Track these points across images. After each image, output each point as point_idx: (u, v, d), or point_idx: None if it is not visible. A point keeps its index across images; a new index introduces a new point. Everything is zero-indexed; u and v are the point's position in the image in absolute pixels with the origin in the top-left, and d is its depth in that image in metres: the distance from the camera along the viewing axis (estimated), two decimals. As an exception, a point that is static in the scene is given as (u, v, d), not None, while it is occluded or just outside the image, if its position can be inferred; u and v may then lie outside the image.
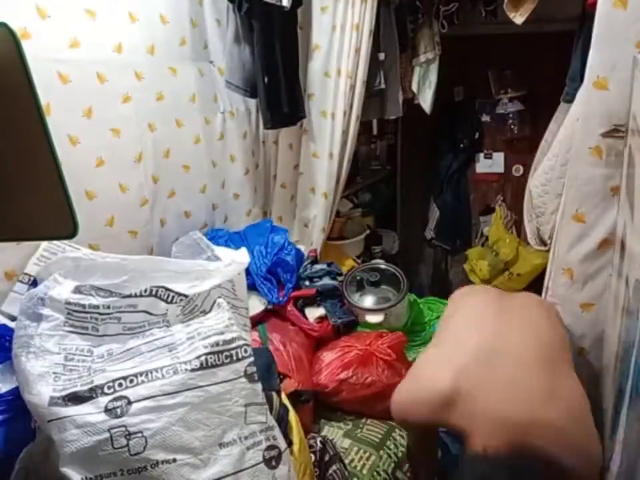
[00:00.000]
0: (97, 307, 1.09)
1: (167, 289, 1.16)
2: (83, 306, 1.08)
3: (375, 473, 1.49)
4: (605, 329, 1.49)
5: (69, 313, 1.07)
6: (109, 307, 1.10)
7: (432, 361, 1.32)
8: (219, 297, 1.18)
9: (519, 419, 1.08)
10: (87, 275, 1.12)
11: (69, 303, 1.07)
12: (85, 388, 0.99)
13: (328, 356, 1.77)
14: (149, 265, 1.18)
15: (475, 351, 1.24)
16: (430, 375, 1.23)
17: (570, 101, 1.83)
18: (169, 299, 1.16)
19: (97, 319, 1.09)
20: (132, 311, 1.12)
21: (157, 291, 1.15)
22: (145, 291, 1.14)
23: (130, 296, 1.12)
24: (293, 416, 1.34)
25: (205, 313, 1.17)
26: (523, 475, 1.00)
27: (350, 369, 1.71)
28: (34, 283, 1.28)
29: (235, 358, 1.10)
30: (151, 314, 1.14)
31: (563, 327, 1.45)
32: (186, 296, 1.17)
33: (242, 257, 1.37)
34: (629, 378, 1.20)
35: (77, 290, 1.09)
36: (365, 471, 1.49)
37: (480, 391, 1.14)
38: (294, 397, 1.50)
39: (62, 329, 1.06)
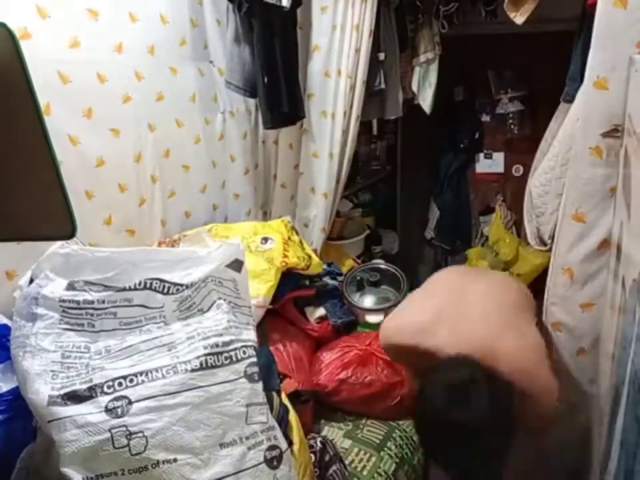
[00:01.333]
0: (92, 302, 1.08)
1: (161, 280, 1.15)
2: (77, 302, 1.07)
3: (376, 474, 1.49)
4: (602, 329, 1.49)
5: (63, 311, 1.06)
6: (103, 302, 1.09)
7: (414, 301, 1.63)
8: (219, 298, 1.18)
9: (485, 341, 1.30)
10: (78, 270, 1.11)
11: (63, 301, 1.06)
12: (84, 387, 0.99)
13: (328, 356, 1.77)
14: (140, 256, 1.17)
15: (447, 297, 1.52)
16: (412, 311, 1.54)
17: (570, 100, 1.82)
18: (165, 290, 1.15)
19: (92, 314, 1.08)
20: (127, 305, 1.12)
21: (151, 284, 1.14)
22: (140, 284, 1.13)
23: (124, 289, 1.11)
24: (293, 416, 1.34)
25: (202, 311, 1.17)
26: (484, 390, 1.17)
27: (349, 368, 1.70)
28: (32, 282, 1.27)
29: (234, 359, 1.10)
30: (147, 307, 1.13)
31: (530, 298, 1.66)
32: (182, 285, 1.16)
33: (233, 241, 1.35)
34: (625, 378, 1.20)
35: (70, 286, 1.08)
36: (365, 472, 1.49)
37: (453, 324, 1.38)
38: (294, 397, 1.50)
39: (57, 327, 1.05)
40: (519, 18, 1.71)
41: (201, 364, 1.05)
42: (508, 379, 1.20)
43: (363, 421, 1.69)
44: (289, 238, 1.89)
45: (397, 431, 1.66)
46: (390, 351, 1.59)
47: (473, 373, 1.18)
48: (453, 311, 1.44)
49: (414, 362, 1.50)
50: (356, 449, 1.57)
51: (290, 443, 1.21)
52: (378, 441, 1.60)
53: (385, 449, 1.58)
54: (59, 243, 1.12)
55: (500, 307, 1.48)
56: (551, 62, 2.56)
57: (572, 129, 1.65)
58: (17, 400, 1.09)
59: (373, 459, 1.54)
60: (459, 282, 1.62)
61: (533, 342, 1.37)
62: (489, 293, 1.55)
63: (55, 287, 1.07)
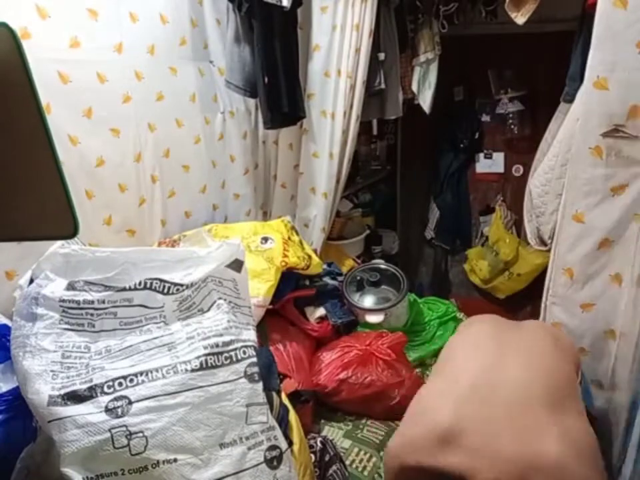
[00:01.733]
0: (92, 302, 1.08)
1: (161, 280, 1.15)
2: (78, 302, 1.07)
3: (377, 475, 1.49)
4: (614, 326, 1.48)
5: (63, 311, 1.06)
6: (103, 302, 1.09)
7: (429, 395, 1.23)
8: (220, 298, 1.18)
9: (524, 455, 1.01)
10: (78, 270, 1.11)
11: (63, 301, 1.06)
12: (84, 387, 0.99)
13: (328, 356, 1.77)
14: (141, 256, 1.17)
15: (474, 384, 1.17)
16: (428, 410, 1.15)
17: (570, 100, 1.83)
18: (165, 290, 1.15)
19: (92, 314, 1.08)
20: (127, 305, 1.11)
21: (151, 284, 1.14)
22: (140, 284, 1.12)
23: (124, 289, 1.11)
24: (293, 416, 1.34)
25: (202, 311, 1.17)
26: None
27: (350, 369, 1.70)
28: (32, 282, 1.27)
29: (234, 359, 1.10)
30: (147, 307, 1.13)
31: (573, 359, 1.35)
32: (182, 285, 1.16)
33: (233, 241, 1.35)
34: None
35: (70, 286, 1.08)
36: (365, 473, 1.49)
37: (481, 427, 1.06)
38: (294, 397, 1.50)
39: (57, 327, 1.05)
40: (520, 18, 1.71)
41: (201, 364, 1.05)
42: None
43: (363, 421, 1.68)
44: (289, 238, 1.89)
45: (397, 431, 1.66)
46: (400, 475, 1.15)
47: None
48: (479, 405, 1.10)
49: None
50: (356, 449, 1.56)
51: (290, 443, 1.21)
52: (378, 441, 1.60)
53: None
54: (59, 243, 1.12)
55: (544, 393, 1.13)
56: (551, 62, 2.56)
57: (572, 129, 1.65)
58: (17, 400, 1.09)
59: (374, 459, 1.53)
60: (486, 352, 1.27)
61: (582, 445, 1.05)
62: (529, 370, 1.20)
63: (55, 287, 1.07)
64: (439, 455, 1.04)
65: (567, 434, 1.05)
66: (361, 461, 1.53)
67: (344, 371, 1.70)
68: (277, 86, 1.94)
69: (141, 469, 0.95)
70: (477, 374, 1.20)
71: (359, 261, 2.73)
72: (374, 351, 1.74)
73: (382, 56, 2.35)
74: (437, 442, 1.05)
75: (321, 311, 1.94)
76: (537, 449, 1.01)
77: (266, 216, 2.48)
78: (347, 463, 1.49)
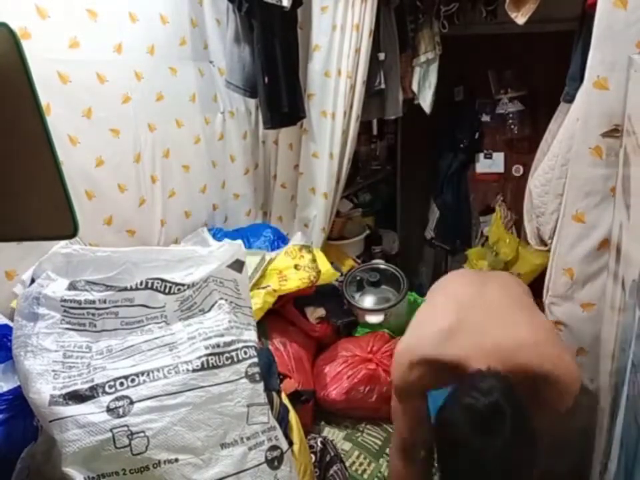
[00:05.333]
0: (93, 302, 1.08)
1: (162, 280, 1.15)
2: (79, 302, 1.07)
3: (376, 479, 1.49)
4: (602, 329, 1.49)
5: (65, 311, 1.06)
6: (105, 302, 1.09)
7: (431, 309, 1.50)
8: (221, 299, 1.18)
9: (508, 343, 1.26)
10: (79, 270, 1.11)
11: (65, 300, 1.07)
12: (86, 386, 0.99)
13: (332, 369, 1.74)
14: (141, 256, 1.17)
15: (467, 299, 1.45)
16: (432, 318, 1.41)
17: (570, 100, 1.83)
18: (166, 290, 1.15)
19: (93, 314, 1.08)
20: (129, 305, 1.12)
21: (152, 283, 1.14)
22: (141, 283, 1.13)
23: (126, 289, 1.11)
24: (293, 416, 1.34)
25: (203, 312, 1.17)
26: (513, 391, 1.09)
27: (357, 382, 1.68)
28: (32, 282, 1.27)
29: (235, 359, 1.10)
30: (148, 307, 1.13)
31: (526, 290, 1.66)
32: (183, 285, 1.16)
33: (235, 242, 1.35)
34: (625, 378, 1.21)
35: (72, 286, 1.09)
36: (365, 476, 1.49)
37: (474, 327, 1.31)
38: (294, 397, 1.50)
39: (59, 327, 1.05)
40: (520, 18, 1.71)
41: (202, 364, 1.05)
42: (536, 369, 1.20)
43: (363, 425, 1.68)
44: (295, 266, 1.80)
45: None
46: (404, 377, 1.31)
47: (503, 397, 1.07)
48: (472, 312, 1.37)
49: (431, 383, 1.29)
50: (356, 452, 1.57)
51: (290, 443, 1.21)
52: (377, 448, 1.61)
53: (384, 456, 1.58)
54: (61, 243, 1.12)
55: (516, 303, 1.47)
56: (551, 62, 2.56)
57: (572, 129, 1.65)
58: (17, 400, 1.09)
59: (373, 464, 1.54)
60: (470, 284, 1.57)
61: (549, 331, 1.37)
62: (503, 291, 1.53)
63: (57, 287, 1.07)
64: (440, 349, 1.26)
65: (537, 324, 1.36)
66: (361, 464, 1.53)
67: (352, 384, 1.67)
68: (277, 86, 1.94)
69: (142, 469, 0.95)
70: (469, 292, 1.50)
71: (359, 261, 2.73)
72: (378, 362, 1.72)
73: (382, 56, 2.35)
74: (440, 339, 1.28)
75: (321, 311, 1.94)
76: (517, 336, 1.27)
77: (266, 216, 2.48)
78: (347, 464, 1.49)
